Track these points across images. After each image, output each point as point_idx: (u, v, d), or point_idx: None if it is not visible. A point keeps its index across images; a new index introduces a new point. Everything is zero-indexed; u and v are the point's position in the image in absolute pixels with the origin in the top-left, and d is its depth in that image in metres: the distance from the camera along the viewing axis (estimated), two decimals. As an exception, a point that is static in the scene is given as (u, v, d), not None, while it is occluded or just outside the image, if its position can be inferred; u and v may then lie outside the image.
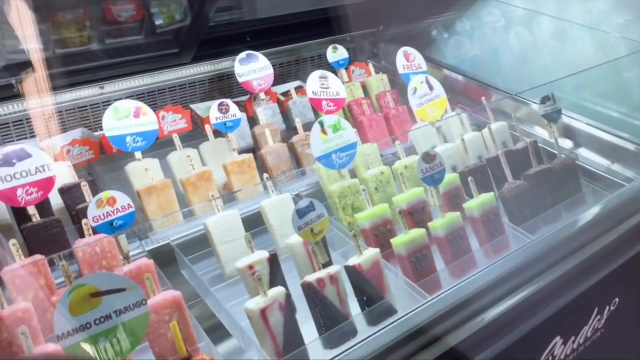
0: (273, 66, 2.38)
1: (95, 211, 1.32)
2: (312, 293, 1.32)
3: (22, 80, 1.85)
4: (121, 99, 2.03)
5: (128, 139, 1.71)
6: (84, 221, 1.40)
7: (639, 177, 1.80)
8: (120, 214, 1.34)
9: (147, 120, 1.75)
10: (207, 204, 1.67)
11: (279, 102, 2.29)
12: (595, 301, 1.64)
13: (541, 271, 1.48)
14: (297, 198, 1.79)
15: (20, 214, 1.52)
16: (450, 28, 2.72)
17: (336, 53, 2.40)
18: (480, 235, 1.66)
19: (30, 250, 1.44)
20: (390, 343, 1.23)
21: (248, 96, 2.26)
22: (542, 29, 2.51)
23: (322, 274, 1.35)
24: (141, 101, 2.08)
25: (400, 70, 2.23)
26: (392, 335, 1.25)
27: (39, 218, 1.46)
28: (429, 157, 1.59)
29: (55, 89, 1.92)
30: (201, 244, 1.60)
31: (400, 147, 1.86)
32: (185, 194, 1.74)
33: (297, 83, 2.47)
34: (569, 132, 2.03)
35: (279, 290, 1.29)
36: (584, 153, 1.98)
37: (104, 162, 1.95)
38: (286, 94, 2.36)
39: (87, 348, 1.03)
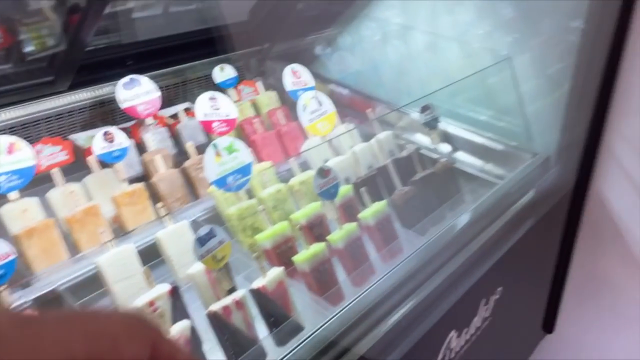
0: (158, 89, 2.32)
1: (-31, 263, 1.20)
2: (218, 322, 1.30)
3: None
4: (-10, 134, 1.87)
5: (1, 179, 1.58)
6: (-44, 275, 1.27)
7: (509, 174, 1.98)
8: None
9: (23, 156, 1.63)
10: (96, 241, 1.58)
11: (167, 125, 2.23)
12: (482, 292, 1.78)
13: (433, 271, 1.59)
14: (194, 225, 1.75)
15: None
16: (333, 43, 2.82)
17: (223, 72, 2.39)
18: (376, 242, 1.74)
19: None
20: (300, 361, 1.25)
21: (134, 121, 2.18)
22: (416, 42, 2.68)
23: (228, 300, 1.34)
24: (15, 134, 1.95)
25: (288, 87, 2.27)
26: (302, 353, 1.27)
27: None
28: (323, 172, 1.63)
29: None
30: (93, 285, 1.51)
31: (294, 163, 1.89)
32: (71, 233, 1.63)
33: (186, 105, 2.42)
34: (446, 137, 2.19)
35: (183, 324, 1.26)
36: (461, 156, 2.15)
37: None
38: (174, 116, 2.30)
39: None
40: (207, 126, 1.99)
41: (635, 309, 2.41)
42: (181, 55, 2.51)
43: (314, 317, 1.44)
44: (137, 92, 2.08)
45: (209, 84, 2.52)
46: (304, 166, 2.04)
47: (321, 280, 1.53)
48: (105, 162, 1.82)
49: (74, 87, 2.10)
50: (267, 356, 1.34)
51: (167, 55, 2.46)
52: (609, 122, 2.06)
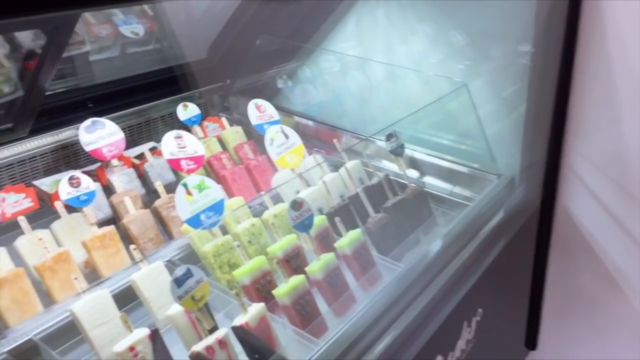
0: (122, 130, 2.29)
1: (-64, 322, 1.14)
2: (203, 363, 1.27)
3: None
4: (-52, 185, 1.80)
5: (-36, 231, 1.52)
6: None
7: (477, 196, 2.04)
8: (-32, 320, 1.17)
9: (-15, 206, 1.57)
10: (70, 287, 1.53)
11: (134, 165, 2.20)
12: (463, 315, 1.81)
13: (414, 297, 1.61)
14: (169, 264, 1.72)
15: None
16: (294, 77, 2.87)
17: (187, 110, 2.39)
18: (354, 270, 1.74)
19: None
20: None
21: (98, 164, 2.14)
22: (374, 72, 2.76)
23: (210, 340, 1.31)
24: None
25: (254, 122, 2.29)
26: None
27: None
28: (296, 205, 1.64)
29: None
30: (69, 333, 1.45)
31: (267, 197, 1.89)
32: (42, 281, 1.57)
33: (151, 144, 2.40)
34: (413, 163, 2.24)
35: (167, 367, 1.22)
36: (429, 180, 2.20)
37: None
38: (140, 156, 2.27)
39: None
40: (175, 165, 1.97)
41: (610, 322, 2.49)
42: (143, 95, 2.51)
43: (299, 351, 1.43)
44: (101, 134, 2.05)
45: (174, 122, 2.51)
46: (276, 198, 2.05)
47: (303, 313, 1.52)
48: (73, 207, 1.77)
49: (35, 132, 2.06)
50: (255, 395, 1.31)
51: (129, 96, 2.45)
52: (567, 140, 2.17)
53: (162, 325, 1.52)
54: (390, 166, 2.27)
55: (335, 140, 2.26)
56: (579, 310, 2.57)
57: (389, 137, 2.09)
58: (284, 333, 1.49)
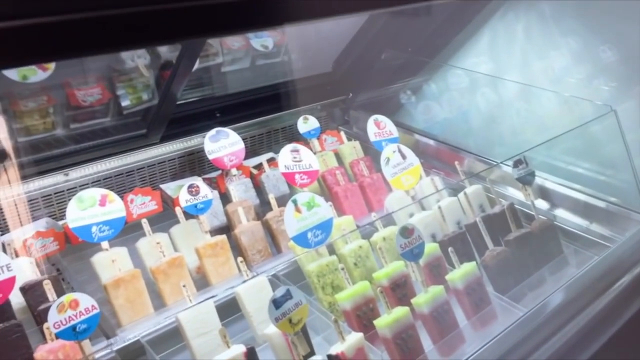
0: (244, 139, 2.36)
1: (56, 316, 1.23)
2: (294, 390, 1.24)
3: (-19, 173, 1.79)
4: (87, 184, 1.98)
5: (94, 229, 1.64)
6: (45, 325, 1.30)
7: (619, 236, 1.78)
8: (83, 317, 1.25)
9: (114, 207, 1.69)
10: (179, 292, 1.58)
11: (251, 175, 2.26)
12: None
13: (531, 349, 1.42)
14: (273, 279, 1.72)
15: (-23, 319, 1.41)
16: (418, 92, 2.76)
17: (307, 123, 2.40)
18: (465, 307, 1.60)
19: (-14, 360, 1.34)
20: None
21: (219, 172, 2.23)
22: (507, 90, 2.56)
23: (304, 366, 1.27)
24: (109, 184, 2.05)
25: (372, 138, 2.23)
26: None
27: (-4, 322, 1.36)
28: (406, 232, 1.55)
29: (17, 179, 1.85)
30: (174, 338, 1.50)
31: (377, 220, 1.82)
32: (156, 283, 1.65)
33: (270, 155, 2.45)
34: (543, 193, 2.02)
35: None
36: (561, 213, 1.97)
37: (71, 251, 1.86)
38: (259, 166, 2.33)
39: None
40: (289, 178, 1.98)
41: None
42: (268, 107, 2.56)
43: (396, 389, 1.34)
44: (224, 143, 2.13)
45: (295, 133, 2.54)
46: (388, 219, 1.96)
47: (404, 349, 1.42)
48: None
49: (166, 138, 2.19)
50: None
51: (254, 107, 2.52)
52: None
53: (260, 341, 1.52)
54: (517, 194, 2.07)
55: (456, 163, 2.12)
56: None
57: (517, 164, 1.91)
58: (382, 368, 1.40)
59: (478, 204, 2.01)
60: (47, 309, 1.26)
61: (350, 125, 2.75)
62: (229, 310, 1.61)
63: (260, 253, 1.86)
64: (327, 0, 1.09)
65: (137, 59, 2.14)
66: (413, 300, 1.53)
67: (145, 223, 1.78)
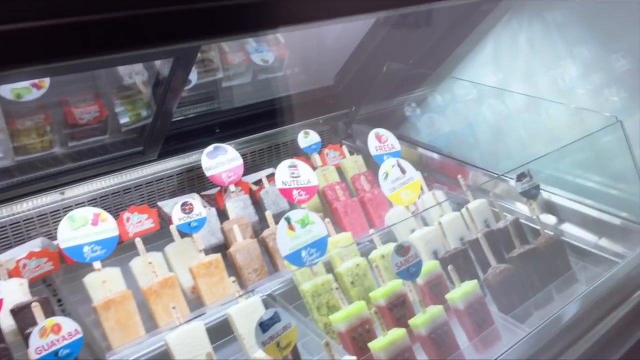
0: (245, 155, 2.34)
1: (39, 341, 1.20)
2: (282, 418, 1.18)
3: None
4: (83, 203, 1.96)
5: (86, 249, 1.62)
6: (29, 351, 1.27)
7: (630, 252, 1.70)
8: (66, 342, 1.22)
9: (107, 227, 1.66)
10: (169, 316, 1.54)
11: (251, 192, 2.22)
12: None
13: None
14: (269, 299, 1.67)
15: (-37, 343, 1.39)
16: (423, 105, 2.71)
17: (308, 138, 2.36)
18: (467, 328, 1.53)
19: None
20: None
21: (219, 188, 2.20)
22: (514, 101, 2.50)
23: (292, 393, 1.22)
24: (106, 203, 2.03)
25: (373, 152, 2.19)
26: None
27: (-18, 347, 1.34)
28: (402, 250, 1.49)
29: (13, 198, 1.85)
30: (165, 361, 1.46)
31: (376, 238, 1.76)
32: (148, 304, 1.62)
33: (270, 171, 2.41)
34: (550, 208, 1.95)
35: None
36: (569, 229, 1.89)
37: (66, 271, 1.83)
38: (259, 182, 2.29)
39: None
40: (286, 194, 1.94)
41: None
42: (269, 122, 2.53)
43: (391, 417, 1.27)
44: (222, 160, 2.10)
45: (297, 149, 2.50)
46: (389, 236, 1.91)
47: (401, 373, 1.36)
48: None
49: (164, 155, 2.17)
50: None
51: (255, 122, 2.49)
52: None
53: (252, 364, 1.47)
54: (524, 209, 2.00)
55: (459, 177, 2.06)
56: None
57: (521, 177, 1.84)
58: (377, 394, 1.34)
59: (483, 220, 1.94)
60: (33, 333, 1.24)
61: (354, 139, 2.71)
62: (223, 332, 1.56)
63: (256, 272, 1.82)
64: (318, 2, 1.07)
65: (135, 76, 2.13)
66: (410, 322, 1.47)
67: (139, 242, 1.75)
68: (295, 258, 1.56)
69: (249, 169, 2.40)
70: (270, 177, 2.32)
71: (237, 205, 2.04)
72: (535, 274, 1.71)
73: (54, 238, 1.92)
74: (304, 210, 1.62)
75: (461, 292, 1.54)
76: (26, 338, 1.46)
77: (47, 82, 1.85)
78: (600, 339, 1.46)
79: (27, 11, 0.77)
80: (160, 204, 2.11)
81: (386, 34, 2.42)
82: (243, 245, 1.82)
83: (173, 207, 2.05)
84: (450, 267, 1.57)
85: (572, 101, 2.30)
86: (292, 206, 2.14)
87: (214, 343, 1.48)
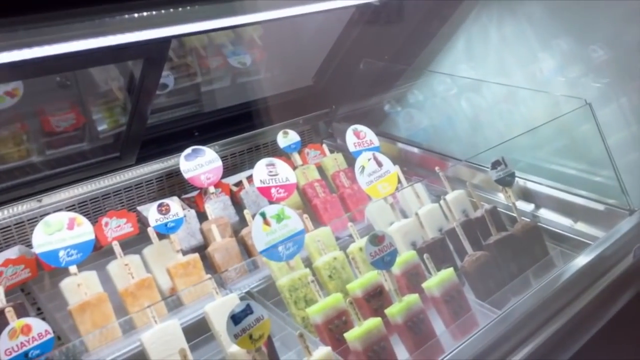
0: (225, 157, 2.35)
1: (8, 342, 1.20)
2: (255, 409, 1.18)
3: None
4: (61, 209, 1.96)
5: (61, 253, 1.61)
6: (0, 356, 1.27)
7: (603, 234, 1.71)
8: (36, 343, 1.22)
9: (82, 230, 1.66)
10: (146, 315, 1.54)
11: (231, 193, 2.23)
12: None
13: (511, 349, 1.36)
14: (247, 296, 1.67)
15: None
16: (402, 100, 2.72)
17: (287, 138, 2.37)
18: (443, 316, 1.54)
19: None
20: None
21: (199, 191, 2.20)
22: (492, 93, 2.52)
23: (266, 384, 1.22)
24: (84, 209, 2.03)
25: (351, 148, 2.19)
26: None
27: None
28: (376, 239, 1.49)
29: (-11, 207, 1.85)
30: (141, 361, 1.46)
31: (353, 228, 1.76)
32: (125, 306, 1.61)
33: (250, 172, 2.40)
34: (526, 195, 1.96)
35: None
36: (545, 214, 1.90)
37: (44, 278, 1.83)
38: (239, 184, 2.29)
39: None
40: (265, 192, 1.95)
41: None
42: (249, 123, 2.54)
43: (367, 405, 1.27)
44: (200, 162, 2.10)
45: (277, 149, 2.51)
46: (369, 230, 1.91)
47: (377, 362, 1.36)
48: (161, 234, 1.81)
49: (143, 160, 2.17)
50: None
51: (234, 124, 2.50)
52: None
53: (229, 360, 1.46)
54: (502, 198, 2.00)
55: (437, 168, 2.06)
56: None
57: (495, 165, 1.85)
58: (353, 383, 1.34)
59: (461, 210, 1.95)
60: (6, 337, 1.24)
61: (335, 138, 2.72)
62: (200, 330, 1.56)
63: (235, 270, 1.81)
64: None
65: (110, 82, 2.14)
66: (386, 311, 1.47)
67: (116, 245, 1.74)
68: (272, 252, 1.56)
69: (229, 170, 2.40)
70: (250, 177, 2.31)
71: (217, 206, 2.05)
72: (512, 260, 1.71)
73: (32, 246, 1.92)
74: (279, 205, 1.63)
75: (437, 279, 1.55)
76: (1, 343, 1.46)
77: (20, 89, 1.86)
78: (572, 318, 1.46)
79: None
80: (139, 208, 2.11)
81: (360, 31, 2.43)
82: (221, 244, 1.82)
83: (152, 211, 2.07)
84: (425, 256, 1.58)
85: (553, 90, 2.31)
86: (272, 205, 2.14)
87: (192, 341, 1.48)
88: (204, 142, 2.24)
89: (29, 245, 1.90)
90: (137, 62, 1.80)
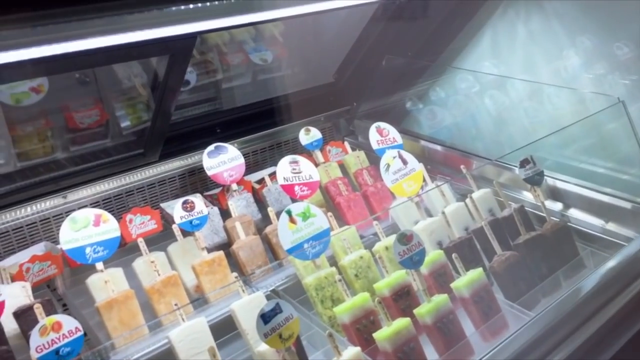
0: (247, 154, 2.34)
1: (39, 339, 1.20)
2: (285, 410, 1.17)
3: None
4: (86, 206, 1.96)
5: (87, 250, 1.61)
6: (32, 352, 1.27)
7: (638, 235, 1.67)
8: (66, 340, 1.21)
9: (108, 227, 1.66)
10: (172, 313, 1.53)
11: (253, 190, 2.21)
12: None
13: (543, 354, 1.33)
14: (272, 294, 1.66)
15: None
16: (424, 98, 2.69)
17: (309, 135, 2.35)
18: (473, 316, 1.51)
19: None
20: None
21: (221, 188, 2.19)
22: (516, 89, 2.48)
23: (296, 385, 1.21)
24: (108, 206, 2.03)
25: (375, 146, 2.17)
26: None
27: (-14, 349, 1.33)
28: (404, 238, 1.47)
29: (16, 203, 1.85)
30: (168, 358, 1.45)
31: (378, 227, 1.74)
32: (151, 303, 1.61)
33: (272, 169, 2.40)
34: (555, 194, 1.92)
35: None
36: (575, 214, 1.86)
37: (70, 275, 1.83)
38: (261, 181, 2.28)
39: None
40: (288, 190, 1.93)
41: None
42: (271, 120, 2.52)
43: (397, 407, 1.25)
44: (223, 159, 2.09)
45: (298, 146, 2.49)
46: (395, 229, 1.89)
47: (406, 363, 1.34)
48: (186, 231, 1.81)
49: (166, 156, 2.16)
50: None
51: (257, 121, 2.48)
52: None
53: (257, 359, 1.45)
54: (530, 197, 1.97)
55: (462, 166, 2.04)
56: None
57: (523, 163, 1.82)
58: (383, 384, 1.32)
59: (487, 209, 1.91)
60: (36, 333, 1.23)
61: (356, 135, 2.69)
62: (227, 328, 1.55)
63: (259, 268, 1.80)
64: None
65: (134, 79, 2.14)
66: (415, 311, 1.45)
67: (141, 242, 1.74)
68: (298, 251, 1.55)
69: (251, 168, 2.39)
70: (273, 175, 2.31)
71: (240, 204, 2.04)
72: (541, 260, 1.68)
73: (57, 242, 1.92)
74: (305, 203, 1.61)
75: (466, 280, 1.52)
76: (29, 340, 1.46)
77: (45, 86, 1.86)
78: (607, 322, 1.43)
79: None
80: (162, 205, 2.10)
81: (383, 28, 2.41)
82: (246, 242, 1.81)
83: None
84: (454, 255, 1.55)
85: (580, 87, 2.27)
86: (295, 202, 2.13)
87: (218, 339, 1.47)
88: (225, 139, 2.23)
89: (54, 242, 1.92)
90: (162, 58, 1.80)
